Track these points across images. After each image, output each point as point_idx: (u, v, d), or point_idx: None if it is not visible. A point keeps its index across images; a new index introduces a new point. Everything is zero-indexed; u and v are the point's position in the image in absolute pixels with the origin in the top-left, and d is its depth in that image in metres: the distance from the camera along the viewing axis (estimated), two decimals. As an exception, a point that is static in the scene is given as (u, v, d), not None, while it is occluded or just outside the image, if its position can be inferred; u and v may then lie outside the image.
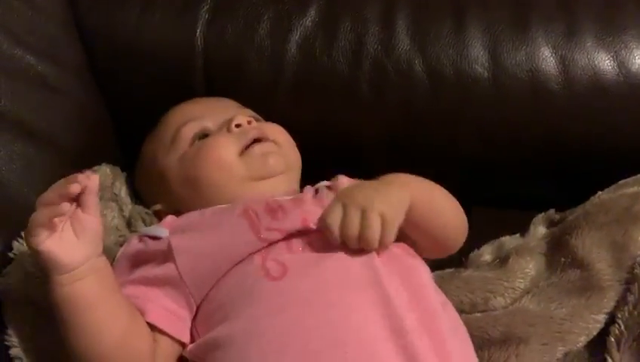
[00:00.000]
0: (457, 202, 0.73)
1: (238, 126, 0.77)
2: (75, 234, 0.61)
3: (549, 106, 0.86)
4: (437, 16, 0.89)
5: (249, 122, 0.78)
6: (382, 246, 0.62)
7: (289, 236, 0.65)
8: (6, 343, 0.68)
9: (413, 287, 0.63)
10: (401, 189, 0.66)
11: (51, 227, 0.59)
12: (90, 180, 0.60)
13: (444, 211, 0.72)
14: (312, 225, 0.65)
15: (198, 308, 0.66)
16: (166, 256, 0.67)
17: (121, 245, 0.78)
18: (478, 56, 0.87)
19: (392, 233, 0.62)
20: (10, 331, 0.68)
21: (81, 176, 0.60)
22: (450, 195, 0.73)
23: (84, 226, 0.61)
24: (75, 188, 0.59)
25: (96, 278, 0.62)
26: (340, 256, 0.63)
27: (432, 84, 0.88)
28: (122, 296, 0.65)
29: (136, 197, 0.87)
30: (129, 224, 0.82)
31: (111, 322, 0.62)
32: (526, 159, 0.90)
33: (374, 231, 0.61)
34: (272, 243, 0.65)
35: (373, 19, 0.90)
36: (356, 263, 0.63)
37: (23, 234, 0.70)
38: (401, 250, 0.67)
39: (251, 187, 0.75)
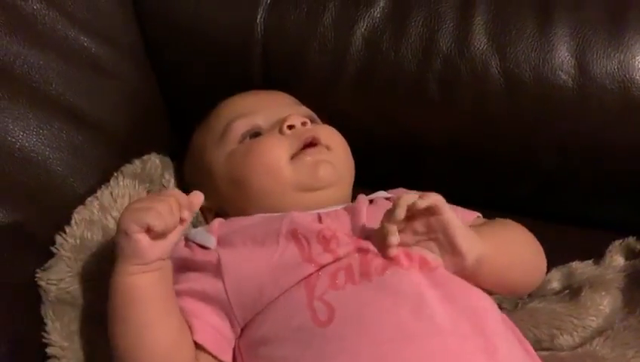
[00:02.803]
0: (537, 245, 0.70)
1: (290, 127, 0.72)
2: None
3: (641, 124, 0.77)
4: (520, 14, 0.81)
5: (303, 123, 0.73)
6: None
7: (338, 261, 0.61)
8: (44, 340, 0.66)
9: (485, 335, 0.57)
10: (479, 238, 0.63)
11: (157, 235, 0.59)
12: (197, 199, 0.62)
13: (522, 264, 0.68)
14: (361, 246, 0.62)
15: (242, 329, 0.64)
16: (215, 271, 0.65)
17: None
18: (563, 61, 0.78)
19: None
20: (48, 328, 0.66)
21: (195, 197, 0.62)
22: (530, 240, 0.70)
23: (172, 234, 0.61)
24: (187, 216, 0.61)
25: (159, 275, 0.62)
26: (391, 296, 0.58)
27: (508, 89, 0.80)
28: (175, 304, 0.64)
29: (185, 189, 0.84)
30: (175, 220, 0.79)
31: (159, 328, 0.61)
32: (607, 178, 0.82)
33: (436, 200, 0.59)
34: (322, 268, 0.61)
35: (447, 14, 0.82)
36: (409, 310, 0.57)
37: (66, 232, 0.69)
38: (461, 284, 0.61)
39: (299, 197, 0.71)
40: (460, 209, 0.75)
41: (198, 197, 0.62)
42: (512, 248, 0.67)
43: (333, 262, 0.61)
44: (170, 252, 0.62)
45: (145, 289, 0.61)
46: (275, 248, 0.63)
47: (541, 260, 0.70)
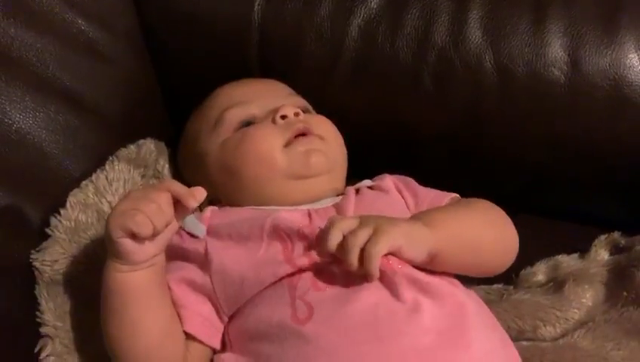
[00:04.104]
0: (506, 222, 0.68)
1: (283, 117, 0.73)
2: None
3: (631, 122, 0.78)
4: (515, 9, 0.81)
5: (296, 114, 0.73)
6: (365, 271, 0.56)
7: (318, 264, 0.62)
8: (37, 320, 0.67)
9: (461, 329, 0.58)
10: (428, 231, 0.61)
11: (143, 239, 0.58)
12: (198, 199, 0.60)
13: (485, 246, 0.66)
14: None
15: (230, 319, 0.65)
16: (203, 261, 0.65)
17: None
18: (556, 57, 0.79)
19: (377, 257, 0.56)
20: (42, 308, 0.67)
21: (198, 193, 0.59)
22: (497, 219, 0.68)
23: (165, 231, 0.60)
24: (192, 204, 0.59)
25: (151, 272, 0.62)
26: (368, 296, 0.58)
27: (501, 84, 0.81)
28: (167, 294, 0.64)
29: (180, 175, 0.85)
30: (168, 205, 0.80)
31: (153, 319, 0.62)
32: (596, 174, 0.83)
33: (376, 253, 0.55)
34: (301, 271, 0.62)
35: (443, 7, 0.83)
36: (384, 306, 0.58)
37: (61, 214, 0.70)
38: (439, 280, 0.62)
39: (290, 185, 0.71)
40: (433, 191, 0.74)
41: (200, 193, 0.60)
42: (473, 230, 0.65)
43: (311, 265, 0.62)
44: (163, 248, 0.62)
45: (136, 285, 0.61)
46: (259, 244, 0.64)
47: (510, 239, 0.67)
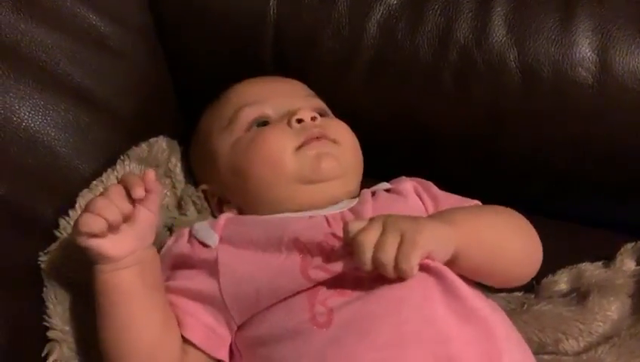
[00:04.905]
0: (531, 233, 0.66)
1: (299, 121, 0.71)
2: (127, 226, 0.60)
3: (662, 127, 0.75)
4: (542, 6, 0.78)
5: (313, 118, 0.71)
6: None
7: (337, 276, 0.60)
8: (45, 324, 0.66)
9: (491, 340, 0.56)
10: (451, 230, 0.59)
11: (103, 233, 0.58)
12: (153, 183, 0.60)
13: (507, 253, 0.64)
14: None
15: (239, 328, 0.63)
16: (211, 269, 0.64)
17: (169, 229, 0.77)
18: (584, 58, 0.76)
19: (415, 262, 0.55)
20: (49, 312, 0.66)
21: (143, 179, 0.60)
22: (522, 227, 0.65)
23: (138, 219, 0.61)
24: (139, 193, 0.59)
25: (138, 270, 0.61)
26: (394, 302, 0.57)
27: (525, 84, 0.78)
28: (162, 297, 0.63)
29: (192, 173, 0.83)
30: (179, 205, 0.78)
31: (143, 323, 0.61)
32: (622, 179, 0.80)
33: (410, 269, 0.55)
34: (319, 284, 0.60)
35: (466, 3, 0.80)
36: (414, 315, 0.56)
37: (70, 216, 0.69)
38: (467, 288, 0.59)
39: (300, 190, 0.69)
40: (454, 196, 0.73)
41: (150, 174, 0.60)
42: (496, 235, 0.63)
43: (330, 278, 0.60)
44: (145, 243, 0.61)
45: (122, 286, 0.60)
46: (277, 255, 0.62)
47: (535, 250, 0.65)
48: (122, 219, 0.59)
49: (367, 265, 0.55)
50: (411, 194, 0.71)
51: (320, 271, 0.60)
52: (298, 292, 0.60)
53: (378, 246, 0.54)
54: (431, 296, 0.57)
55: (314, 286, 0.60)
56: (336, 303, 0.58)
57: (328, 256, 0.60)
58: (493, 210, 0.67)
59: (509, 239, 0.65)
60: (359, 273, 0.57)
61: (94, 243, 0.59)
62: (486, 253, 0.62)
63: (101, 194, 0.60)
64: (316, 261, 0.60)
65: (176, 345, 0.62)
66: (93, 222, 0.57)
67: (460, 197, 0.71)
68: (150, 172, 0.60)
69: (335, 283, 0.59)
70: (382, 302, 0.57)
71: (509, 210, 0.67)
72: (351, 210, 0.67)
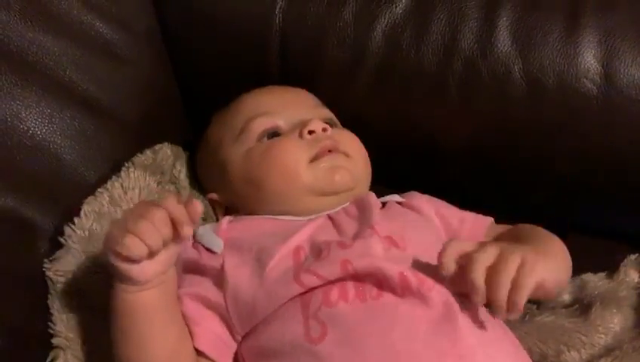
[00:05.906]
0: (569, 259, 0.67)
1: (311, 132, 0.71)
2: (163, 251, 0.58)
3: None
4: (547, 17, 0.78)
5: (324, 130, 0.72)
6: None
7: (331, 282, 0.60)
8: (49, 331, 0.66)
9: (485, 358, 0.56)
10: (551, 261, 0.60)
11: (141, 259, 0.57)
12: (197, 217, 0.57)
13: (562, 279, 0.66)
14: (352, 270, 0.60)
15: (243, 338, 0.64)
16: (218, 278, 0.64)
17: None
18: (589, 68, 0.76)
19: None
20: (54, 319, 0.67)
21: (189, 211, 0.57)
22: (567, 256, 0.68)
23: (169, 248, 0.59)
24: (188, 233, 0.57)
25: (160, 291, 0.61)
26: (387, 318, 0.57)
27: (530, 94, 0.78)
28: (179, 309, 0.63)
29: (196, 179, 0.84)
30: (184, 212, 0.79)
31: (162, 337, 0.61)
32: (627, 190, 0.79)
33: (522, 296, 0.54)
34: (312, 289, 0.60)
35: (471, 13, 0.79)
36: (399, 329, 0.56)
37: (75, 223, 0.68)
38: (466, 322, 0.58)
39: (312, 200, 0.70)
40: (472, 215, 0.74)
41: (197, 209, 0.57)
42: (564, 264, 0.66)
43: (323, 285, 0.60)
44: (171, 265, 0.61)
45: (146, 306, 0.59)
46: (274, 259, 0.62)
47: (570, 268, 0.68)
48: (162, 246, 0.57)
49: (482, 290, 0.54)
50: (425, 210, 0.72)
51: (312, 275, 0.60)
52: (292, 300, 0.60)
53: (498, 270, 0.54)
54: (419, 322, 0.57)
55: (306, 292, 0.60)
56: (328, 316, 0.58)
57: (322, 261, 0.61)
58: (547, 237, 0.69)
59: (564, 265, 0.67)
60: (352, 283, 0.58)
61: (125, 266, 0.57)
62: (557, 282, 0.63)
63: (142, 214, 0.56)
64: (308, 264, 0.61)
65: (191, 355, 0.63)
66: (135, 247, 0.55)
67: (474, 214, 0.73)
68: (198, 205, 0.57)
69: (327, 292, 0.60)
70: (372, 319, 0.57)
71: (547, 232, 0.69)
72: (354, 201, 0.68)
